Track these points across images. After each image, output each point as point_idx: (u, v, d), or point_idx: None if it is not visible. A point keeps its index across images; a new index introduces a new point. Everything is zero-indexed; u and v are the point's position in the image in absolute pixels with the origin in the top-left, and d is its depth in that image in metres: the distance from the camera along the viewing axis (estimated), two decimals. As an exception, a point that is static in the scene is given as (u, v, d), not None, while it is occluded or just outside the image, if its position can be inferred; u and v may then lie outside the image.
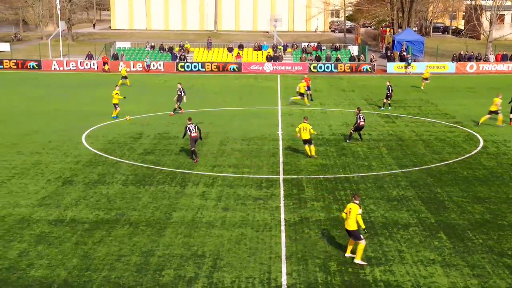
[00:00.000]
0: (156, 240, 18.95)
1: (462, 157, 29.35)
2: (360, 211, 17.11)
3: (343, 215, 17.60)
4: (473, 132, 35.03)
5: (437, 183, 25.10)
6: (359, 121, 31.72)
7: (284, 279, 16.32)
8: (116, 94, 38.42)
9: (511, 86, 56.48)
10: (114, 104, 38.43)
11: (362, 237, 17.15)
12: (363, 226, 17.14)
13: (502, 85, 57.27)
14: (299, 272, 16.74)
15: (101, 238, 19.12)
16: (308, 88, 46.16)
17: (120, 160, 28.60)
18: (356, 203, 17.27)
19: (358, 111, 32.33)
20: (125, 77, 55.04)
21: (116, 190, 24.06)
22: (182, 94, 39.56)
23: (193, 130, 28.15)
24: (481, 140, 32.95)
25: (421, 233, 19.63)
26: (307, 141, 28.74)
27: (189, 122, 28.55)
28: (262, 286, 15.92)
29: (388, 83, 43.69)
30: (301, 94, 44.55)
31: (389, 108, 43.51)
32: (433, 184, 25.04)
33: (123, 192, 23.81)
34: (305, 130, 28.40)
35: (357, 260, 17.18)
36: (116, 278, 16.35)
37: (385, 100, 43.68)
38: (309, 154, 28.86)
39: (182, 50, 74.15)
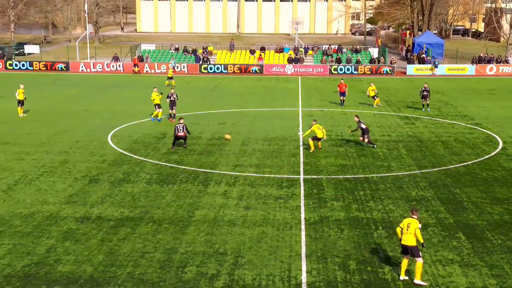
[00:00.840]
0: (179, 238, 19.03)
1: (481, 158, 29.04)
2: (419, 225, 15.81)
3: (398, 230, 16.10)
4: (493, 134, 34.64)
5: (456, 184, 24.86)
6: (361, 126, 30.87)
7: (304, 277, 16.29)
8: (156, 95, 38.43)
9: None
10: (155, 105, 38.40)
11: (420, 254, 15.76)
12: (421, 241, 15.82)
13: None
14: (318, 270, 16.69)
15: (125, 235, 19.25)
16: (343, 94, 45.29)
17: (144, 159, 28.78)
18: (414, 218, 15.90)
19: (357, 119, 31.31)
20: (171, 78, 55.50)
21: (140, 188, 24.22)
22: (175, 100, 38.28)
23: (180, 130, 30.31)
24: (501, 142, 32.56)
25: (439, 233, 19.45)
26: (318, 139, 30.20)
27: (179, 122, 30.68)
28: (283, 284, 15.91)
29: (426, 85, 43.18)
30: (373, 97, 45.30)
31: (424, 110, 43.05)
32: (452, 184, 24.81)
33: (147, 190, 23.96)
34: (319, 129, 30.20)
35: (417, 281, 15.66)
36: (140, 274, 16.45)
37: (427, 102, 43.01)
38: (312, 148, 30.18)
39: (205, 52, 74.42)
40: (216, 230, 19.71)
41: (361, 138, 31.13)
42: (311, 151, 29.94)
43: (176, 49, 76.40)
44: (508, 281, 16.04)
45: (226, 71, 68.52)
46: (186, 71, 68.49)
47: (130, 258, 17.49)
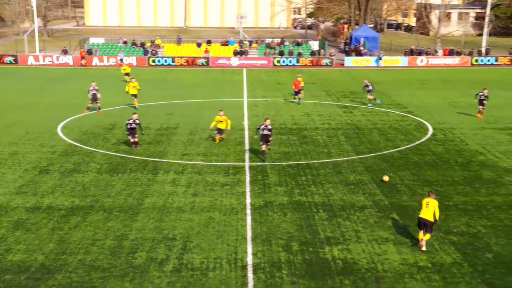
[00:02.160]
0: (129, 225, 18.81)
1: (413, 144, 29.74)
2: (437, 205, 17.17)
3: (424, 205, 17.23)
4: (423, 121, 35.51)
5: (391, 168, 25.40)
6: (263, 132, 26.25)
7: (249, 259, 16.37)
8: (133, 86, 38.51)
9: (458, 78, 57.47)
10: (133, 95, 38.47)
11: (432, 231, 17.14)
12: (437, 217, 17.07)
13: (449, 77, 58.18)
14: (263, 252, 16.80)
15: (76, 223, 18.89)
16: (298, 92, 40.88)
17: (94, 149, 28.24)
18: (432, 198, 17.26)
19: (265, 123, 26.36)
20: (127, 74, 53.37)
21: (90, 178, 23.77)
22: (97, 93, 36.82)
23: (131, 124, 27.68)
24: (430, 128, 33.42)
25: (375, 214, 19.86)
26: (221, 131, 29.26)
27: (132, 117, 27.95)
28: (229, 266, 15.95)
29: (366, 81, 41.35)
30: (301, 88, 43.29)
31: (378, 101, 40.99)
32: (387, 169, 25.32)
33: (98, 180, 23.53)
34: (221, 122, 28.89)
35: (423, 245, 17.00)
36: (91, 261, 16.18)
37: (370, 97, 40.62)
38: (217, 141, 29.49)
39: (153, 46, 73.42)
40: (165, 217, 19.56)
41: (263, 146, 26.30)
42: (216, 143, 29.46)
43: (125, 43, 75.04)
44: (436, 257, 16.55)
45: (173, 63, 67.83)
46: (135, 64, 67.40)
47: (81, 245, 17.18)
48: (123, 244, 17.32)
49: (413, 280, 15.19)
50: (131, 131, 27.82)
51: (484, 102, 35.80)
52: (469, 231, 18.25)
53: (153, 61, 67.98)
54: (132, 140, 28.06)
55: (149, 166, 25.59)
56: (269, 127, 26.14)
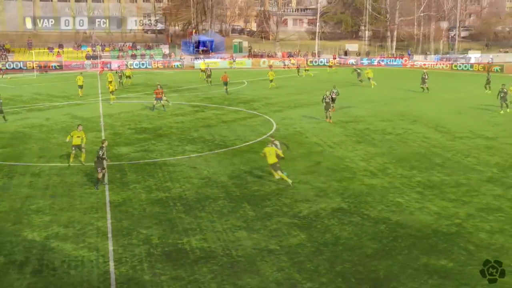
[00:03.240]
0: (-15, 231, 17.39)
1: (260, 138, 30.55)
2: (276, 150, 21.90)
3: (261, 155, 22.45)
4: (268, 118, 36.73)
5: (240, 162, 25.84)
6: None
7: (111, 255, 15.87)
8: None
9: (296, 78, 60.21)
10: None
11: (279, 169, 21.95)
12: (282, 156, 22.05)
13: (289, 76, 60.76)
14: (124, 248, 16.38)
15: None
16: (159, 99, 39.03)
17: None
18: (270, 146, 21.98)
19: (103, 145, 22.26)
20: None
21: None
22: None
23: None
24: (274, 124, 34.66)
25: (228, 205, 20.16)
26: (77, 147, 25.20)
27: None
28: (91, 263, 15.35)
29: (158, 84, 40.41)
30: (111, 92, 42.87)
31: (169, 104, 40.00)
32: (235, 163, 25.71)
33: None
34: (78, 137, 25.01)
35: (279, 175, 21.97)
36: None
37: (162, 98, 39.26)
38: (72, 160, 25.14)
39: (2, 50, 68.40)
40: (23, 220, 18.34)
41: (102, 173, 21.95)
42: (70, 162, 25.08)
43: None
44: (284, 240, 17.19)
45: (25, 68, 63.71)
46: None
47: None
48: (-21, 250, 15.98)
49: (264, 263, 15.67)
50: None
51: (331, 100, 35.09)
52: (311, 215, 19.22)
53: (3, 65, 63.35)
54: None
55: (4, 170, 23.83)
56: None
